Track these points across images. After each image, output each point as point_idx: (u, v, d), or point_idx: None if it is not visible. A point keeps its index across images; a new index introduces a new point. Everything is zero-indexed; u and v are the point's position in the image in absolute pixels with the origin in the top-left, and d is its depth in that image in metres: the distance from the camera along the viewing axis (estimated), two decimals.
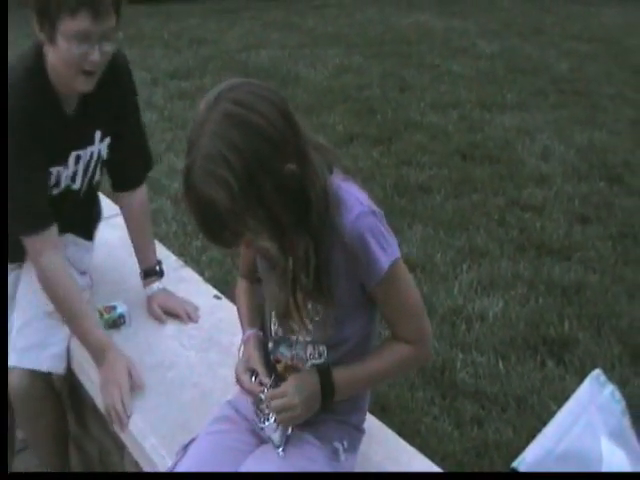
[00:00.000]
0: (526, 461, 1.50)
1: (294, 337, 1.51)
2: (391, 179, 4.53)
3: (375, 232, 1.34)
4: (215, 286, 2.42)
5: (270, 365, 1.56)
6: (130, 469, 2.01)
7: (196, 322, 2.16)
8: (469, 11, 9.89)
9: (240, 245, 1.36)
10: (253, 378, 1.53)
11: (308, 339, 1.49)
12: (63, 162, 1.99)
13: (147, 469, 1.79)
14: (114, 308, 2.15)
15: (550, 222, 4.09)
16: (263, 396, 1.49)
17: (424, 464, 1.67)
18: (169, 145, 5.08)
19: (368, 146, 5.14)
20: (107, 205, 2.52)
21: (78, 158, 2.03)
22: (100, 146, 2.07)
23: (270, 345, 1.56)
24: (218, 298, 2.30)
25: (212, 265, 3.54)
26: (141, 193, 2.24)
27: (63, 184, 2.04)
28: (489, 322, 3.17)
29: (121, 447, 2.00)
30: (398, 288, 1.42)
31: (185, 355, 2.04)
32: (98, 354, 1.93)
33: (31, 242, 1.92)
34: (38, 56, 1.85)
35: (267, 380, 1.50)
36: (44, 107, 1.87)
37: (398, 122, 5.62)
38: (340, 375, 1.46)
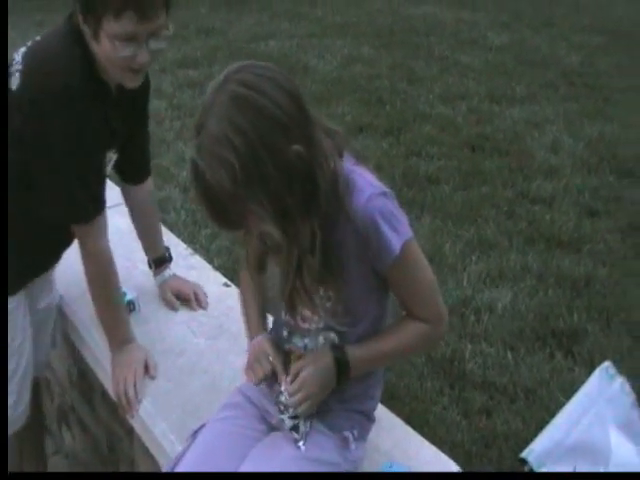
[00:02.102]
0: (535, 451, 1.51)
1: (306, 325, 1.50)
2: (400, 170, 4.52)
3: (386, 213, 1.34)
4: (224, 274, 2.42)
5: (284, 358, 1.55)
6: (139, 455, 2.01)
7: (205, 309, 2.16)
8: (479, 3, 9.83)
9: (245, 228, 1.34)
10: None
11: (320, 326, 1.48)
12: (115, 146, 1.89)
13: (156, 455, 1.79)
14: (124, 295, 2.14)
15: (559, 215, 4.08)
16: (282, 388, 1.48)
17: (432, 453, 1.67)
18: (177, 133, 5.07)
19: (377, 137, 5.13)
20: (117, 193, 2.52)
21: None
22: None
23: (284, 334, 1.55)
24: (227, 286, 2.30)
25: (221, 253, 3.54)
26: (148, 184, 2.19)
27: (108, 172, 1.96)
28: (498, 313, 3.16)
29: (130, 433, 2.01)
30: (412, 268, 1.42)
31: (195, 342, 2.04)
32: (119, 345, 1.92)
33: (88, 228, 1.81)
34: (79, 37, 1.67)
35: (280, 366, 1.49)
36: (96, 86, 1.71)
37: (407, 113, 5.60)
38: (354, 352, 1.45)
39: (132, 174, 2.14)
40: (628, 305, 3.25)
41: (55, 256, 2.05)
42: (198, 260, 2.50)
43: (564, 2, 9.91)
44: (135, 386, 1.84)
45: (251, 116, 1.21)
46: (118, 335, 1.93)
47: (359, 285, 1.43)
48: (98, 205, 1.81)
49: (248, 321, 1.67)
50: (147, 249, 2.22)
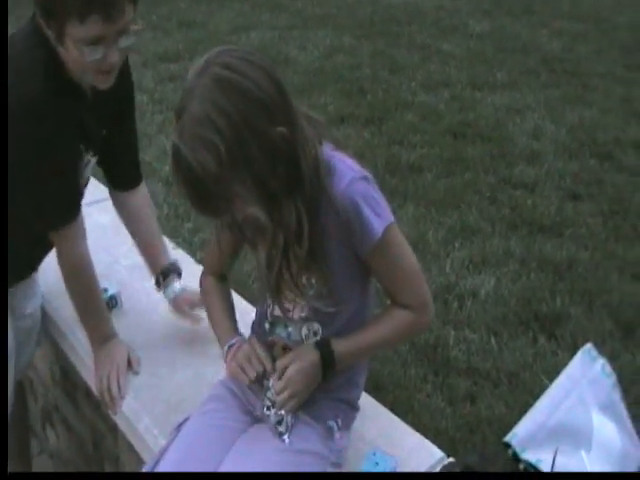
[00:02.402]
0: (518, 436, 1.52)
1: (289, 315, 1.50)
2: (382, 159, 4.52)
3: (368, 197, 1.34)
4: None
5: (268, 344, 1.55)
6: (123, 451, 2.01)
7: None
8: None
9: (228, 214, 1.31)
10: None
11: (303, 315, 1.48)
12: (93, 149, 1.81)
13: (140, 450, 1.79)
14: (105, 290, 2.13)
15: (541, 199, 4.10)
16: (270, 384, 1.47)
17: (417, 440, 1.68)
18: (160, 127, 5.05)
19: (359, 126, 5.13)
20: (97, 188, 2.51)
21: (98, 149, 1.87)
22: None
23: (266, 326, 1.55)
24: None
25: (204, 246, 3.53)
26: (143, 191, 2.06)
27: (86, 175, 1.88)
28: (481, 299, 3.18)
29: (114, 429, 2.01)
30: (394, 253, 1.42)
31: (178, 336, 2.03)
32: (100, 342, 1.91)
33: (64, 233, 1.76)
34: (44, 39, 1.58)
35: (270, 366, 1.48)
36: (65, 90, 1.62)
37: (389, 102, 5.60)
38: (339, 345, 1.45)
39: (120, 179, 2.03)
40: (609, 288, 3.28)
41: (36, 262, 2.01)
42: (181, 254, 2.48)
43: None
44: (118, 382, 1.83)
45: (235, 98, 1.20)
46: (99, 332, 1.92)
47: (342, 271, 1.43)
48: (73, 210, 1.76)
49: (218, 327, 1.65)
50: (151, 264, 2.05)
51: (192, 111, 1.21)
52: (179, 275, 2.03)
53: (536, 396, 1.55)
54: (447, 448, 1.67)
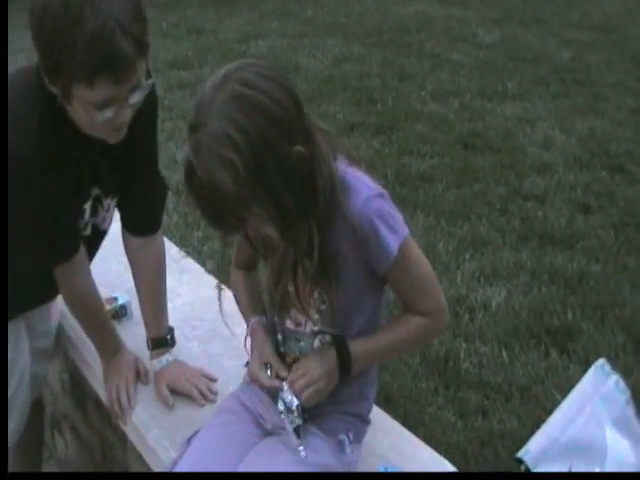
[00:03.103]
0: (531, 451, 1.50)
1: (301, 329, 1.49)
2: (392, 169, 4.51)
3: (384, 215, 1.33)
4: (217, 276, 2.39)
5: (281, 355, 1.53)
6: (133, 462, 2.00)
7: (213, 401, 1.82)
8: (468, 0, 9.84)
9: (243, 231, 1.32)
10: (268, 372, 1.49)
11: (315, 328, 1.47)
12: (107, 191, 1.75)
13: (150, 461, 1.78)
14: (116, 299, 2.13)
15: (552, 211, 4.08)
16: (285, 386, 1.44)
17: (428, 454, 1.66)
18: (169, 135, 5.06)
19: (369, 136, 5.12)
20: None
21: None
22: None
23: (279, 338, 1.54)
24: (220, 288, 2.28)
25: (214, 256, 3.52)
26: (158, 242, 1.92)
27: (90, 226, 1.80)
28: (492, 312, 3.16)
29: (123, 439, 1.99)
30: (410, 266, 1.41)
31: (188, 346, 2.02)
32: (109, 356, 1.91)
33: (60, 270, 1.71)
34: (46, 93, 1.47)
35: (284, 373, 1.46)
36: (69, 141, 1.56)
37: (399, 111, 5.59)
38: (356, 345, 1.44)
39: (132, 223, 1.89)
40: (622, 301, 3.25)
41: (54, 289, 1.87)
42: (190, 263, 2.49)
43: None
44: (127, 393, 1.82)
45: (253, 115, 1.18)
46: (106, 347, 1.91)
47: (355, 286, 1.42)
48: (67, 251, 1.70)
49: (242, 311, 1.64)
50: (147, 324, 1.92)
51: (210, 127, 1.18)
52: (172, 346, 1.92)
53: (548, 411, 1.53)
54: (459, 462, 1.66)
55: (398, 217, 1.36)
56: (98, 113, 1.42)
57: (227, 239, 1.49)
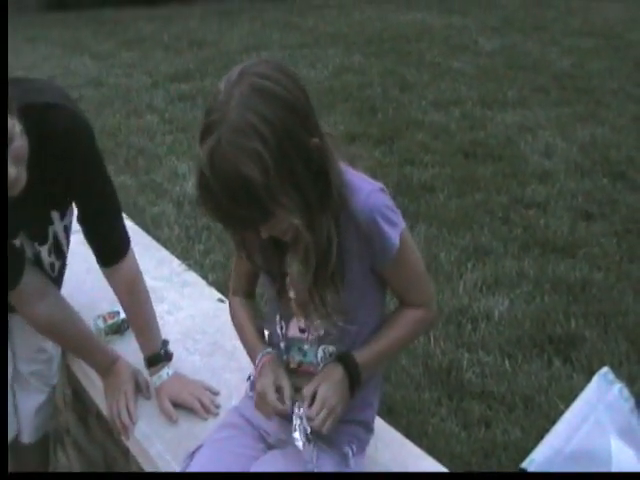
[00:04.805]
0: (535, 462, 1.49)
1: (304, 335, 1.49)
2: (394, 179, 4.51)
3: (385, 209, 1.34)
4: (219, 289, 2.40)
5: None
6: None
7: (215, 415, 1.82)
8: (468, 8, 9.87)
9: (265, 228, 1.28)
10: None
11: (321, 333, 1.46)
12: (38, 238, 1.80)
13: None
14: (117, 313, 2.13)
15: (554, 219, 4.07)
16: (301, 412, 1.41)
17: (431, 466, 1.66)
18: (170, 148, 5.07)
19: (370, 145, 5.13)
20: None
21: (44, 238, 1.83)
22: (60, 226, 1.87)
23: (282, 346, 1.53)
24: (222, 301, 2.29)
25: (215, 268, 3.53)
26: (125, 270, 1.88)
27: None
28: (495, 321, 3.15)
29: (126, 453, 1.99)
30: (408, 258, 1.43)
31: (190, 360, 2.02)
32: (105, 371, 1.91)
33: (16, 294, 1.74)
34: None
35: (296, 399, 1.43)
36: None
37: (400, 121, 5.60)
38: (360, 356, 1.44)
39: (101, 256, 1.88)
40: (625, 309, 3.24)
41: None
42: (192, 276, 2.48)
43: (554, 5, 9.95)
44: (128, 408, 1.82)
45: (275, 107, 1.18)
46: (100, 365, 1.91)
47: (360, 284, 1.42)
48: (12, 275, 1.70)
49: (248, 341, 1.60)
50: (140, 344, 1.93)
51: (232, 121, 1.16)
52: (169, 359, 1.92)
53: (552, 420, 1.52)
54: None
55: (395, 209, 1.38)
56: None
57: (241, 246, 1.45)
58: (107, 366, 1.90)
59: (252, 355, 1.56)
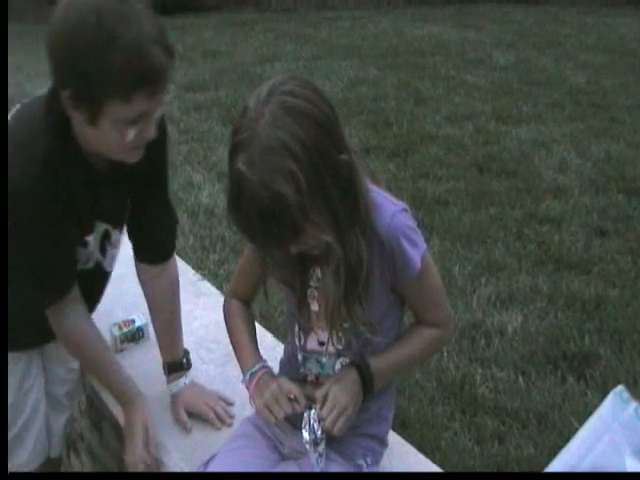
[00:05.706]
0: None
1: (323, 348, 1.49)
2: (408, 192, 4.51)
3: (408, 231, 1.35)
4: None
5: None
6: None
7: (230, 425, 1.82)
8: (483, 23, 9.89)
9: (295, 245, 1.28)
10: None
11: (339, 347, 1.47)
12: (111, 222, 1.73)
13: None
14: (133, 322, 2.14)
15: (568, 235, 4.06)
16: (312, 415, 1.41)
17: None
18: (185, 158, 5.09)
19: (384, 159, 5.14)
20: None
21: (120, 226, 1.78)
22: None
23: (299, 358, 1.54)
24: None
25: (230, 278, 3.52)
26: (171, 270, 1.89)
27: (93, 260, 1.76)
28: (508, 337, 3.14)
29: None
30: (428, 279, 1.44)
31: (204, 369, 2.02)
32: (124, 402, 1.83)
33: (51, 312, 1.66)
34: (58, 124, 1.47)
35: (303, 401, 1.42)
36: (72, 176, 1.53)
37: (414, 134, 5.61)
38: (376, 363, 1.45)
39: (143, 251, 1.86)
40: None
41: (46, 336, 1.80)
42: (207, 286, 2.49)
43: (569, 21, 9.96)
44: (149, 460, 1.73)
45: (306, 124, 1.19)
46: (118, 392, 1.83)
47: (380, 302, 1.43)
48: (61, 286, 1.65)
49: (241, 351, 1.60)
50: (162, 348, 1.91)
51: (263, 140, 1.17)
52: (188, 368, 1.91)
53: (565, 438, 1.52)
54: None
55: (418, 230, 1.39)
56: (129, 130, 1.41)
57: (266, 260, 1.45)
58: (124, 400, 1.82)
59: (242, 362, 1.58)
